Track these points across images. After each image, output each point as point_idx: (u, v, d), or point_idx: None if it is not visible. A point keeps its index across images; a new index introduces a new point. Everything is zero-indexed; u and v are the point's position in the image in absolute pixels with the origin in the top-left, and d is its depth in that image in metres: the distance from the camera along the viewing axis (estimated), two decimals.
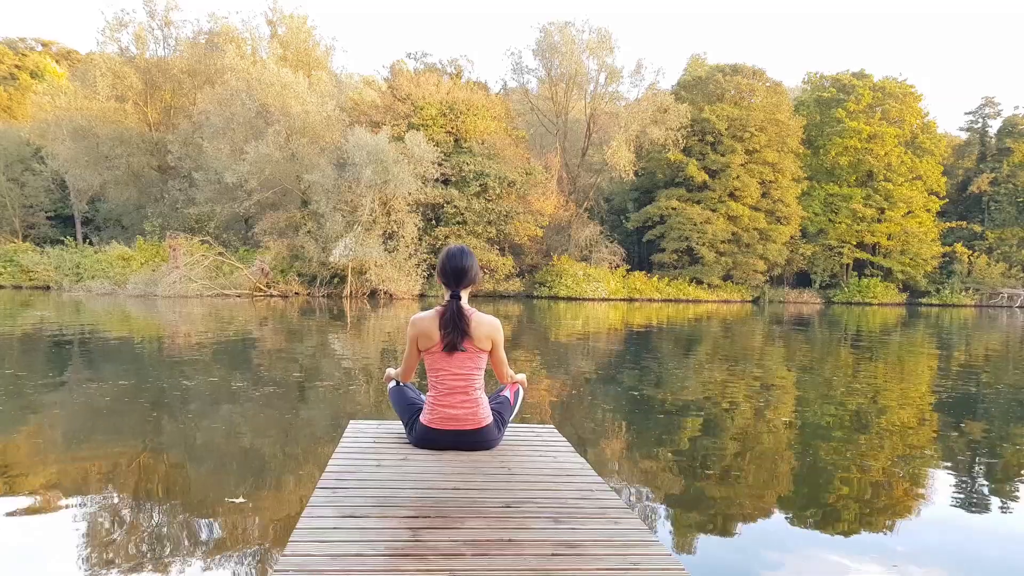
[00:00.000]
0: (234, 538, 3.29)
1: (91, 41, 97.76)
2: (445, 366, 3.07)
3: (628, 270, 39.12)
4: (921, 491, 4.51)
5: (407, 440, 3.24)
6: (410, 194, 30.89)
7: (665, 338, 16.47)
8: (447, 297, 3.08)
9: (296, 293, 30.49)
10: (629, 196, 44.71)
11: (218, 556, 3.08)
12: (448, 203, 33.60)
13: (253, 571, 2.96)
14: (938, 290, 44.43)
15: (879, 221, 42.71)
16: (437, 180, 32.84)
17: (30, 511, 3.59)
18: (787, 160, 40.70)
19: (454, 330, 3.02)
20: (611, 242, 39.86)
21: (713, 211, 39.34)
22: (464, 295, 3.11)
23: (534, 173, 36.49)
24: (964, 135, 49.95)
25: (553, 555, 1.97)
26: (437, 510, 2.31)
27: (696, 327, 20.13)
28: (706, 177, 39.44)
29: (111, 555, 3.07)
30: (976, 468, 5.07)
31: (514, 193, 35.15)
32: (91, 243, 37.20)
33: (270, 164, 30.50)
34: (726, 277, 40.69)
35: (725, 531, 3.68)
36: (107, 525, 3.42)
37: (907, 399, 8.17)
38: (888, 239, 42.75)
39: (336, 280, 31.47)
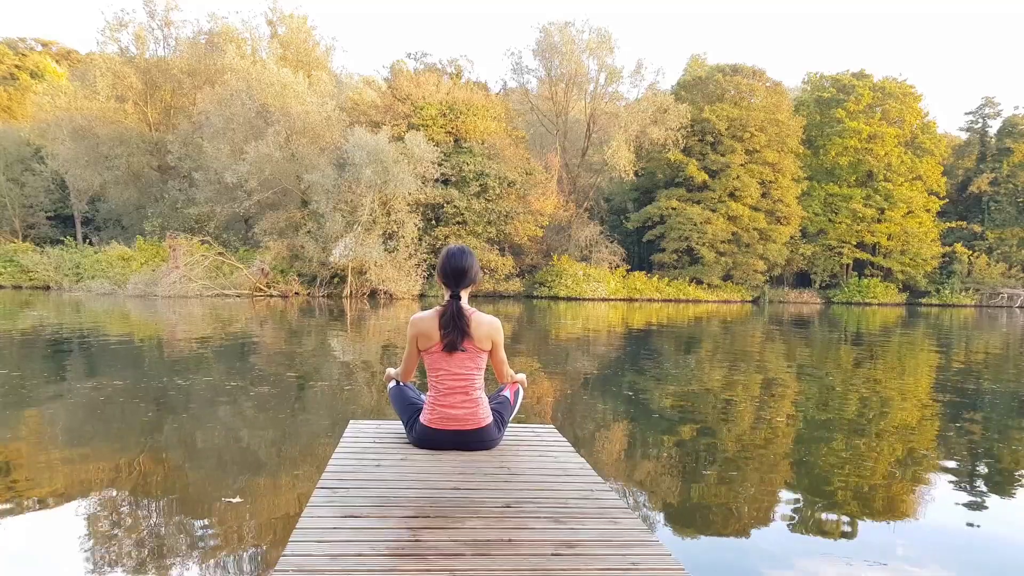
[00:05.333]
0: (234, 538, 3.29)
1: (91, 41, 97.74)
2: (445, 366, 3.06)
3: (628, 270, 39.11)
4: (921, 491, 4.51)
5: (407, 440, 3.23)
6: (410, 194, 30.89)
7: (665, 338, 16.47)
8: (447, 297, 3.08)
9: (296, 293, 30.49)
10: (629, 196, 44.71)
11: (218, 556, 3.08)
12: (448, 203, 33.60)
13: (253, 571, 2.96)
14: (938, 290, 44.43)
15: (879, 221, 42.71)
16: (437, 180, 32.84)
17: (30, 511, 3.59)
18: (787, 160, 40.70)
19: (454, 330, 3.01)
20: (611, 242, 39.85)
21: (713, 211, 39.33)
22: (464, 295, 3.11)
23: (534, 173, 36.50)
24: (964, 135, 49.94)
25: (553, 555, 1.97)
26: (437, 510, 2.31)
27: (696, 327, 20.13)
28: (706, 177, 39.44)
29: (111, 555, 3.07)
30: (976, 468, 5.07)
31: (514, 193, 35.16)
32: (91, 243, 37.20)
33: (270, 164, 30.50)
34: (726, 277, 40.68)
35: (725, 531, 3.68)
36: (107, 525, 3.42)
37: (907, 399, 8.17)
38: (888, 239, 42.75)
39: (336, 280, 31.47)
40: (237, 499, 3.78)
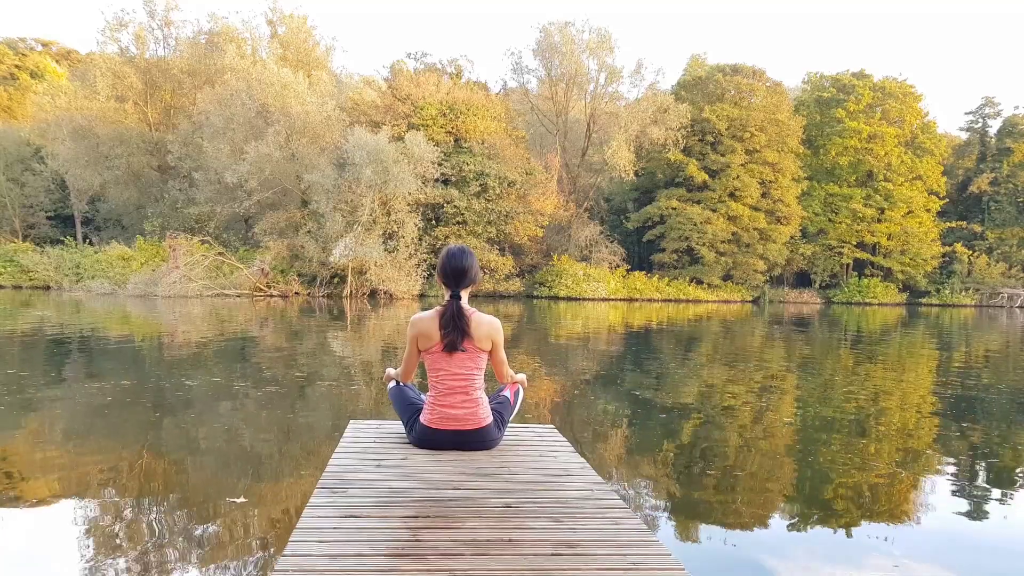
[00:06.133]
0: (234, 538, 3.29)
1: (91, 41, 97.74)
2: (445, 366, 3.06)
3: (628, 270, 39.11)
4: (921, 491, 4.51)
5: (407, 440, 3.23)
6: (410, 194, 30.89)
7: (665, 338, 16.47)
8: (447, 297, 3.08)
9: (296, 293, 30.50)
10: (629, 196, 44.72)
11: (218, 556, 3.08)
12: (448, 203, 33.60)
13: (253, 571, 2.96)
14: (938, 290, 44.43)
15: (879, 221, 42.72)
16: (437, 180, 32.84)
17: (31, 511, 3.59)
18: (787, 160, 40.70)
19: (454, 330, 3.01)
20: (611, 242, 39.85)
21: (713, 211, 39.33)
22: (464, 295, 3.11)
23: (534, 173, 36.50)
24: (964, 135, 49.94)
25: (553, 555, 1.97)
26: (437, 510, 2.30)
27: (696, 327, 20.13)
28: (706, 177, 39.44)
29: (112, 555, 3.07)
30: (976, 468, 5.07)
31: (514, 193, 35.16)
32: (91, 243, 37.20)
33: (270, 164, 30.49)
34: (726, 277, 40.69)
35: (725, 531, 3.68)
36: (108, 525, 3.42)
37: (907, 399, 8.17)
38: (888, 239, 42.76)
39: (336, 280, 31.47)
40: (238, 499, 3.78)
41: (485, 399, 3.17)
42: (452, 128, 34.84)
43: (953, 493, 4.45)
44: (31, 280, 32.39)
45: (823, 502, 4.20)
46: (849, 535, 3.66)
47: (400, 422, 3.40)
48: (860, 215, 42.33)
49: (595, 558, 1.97)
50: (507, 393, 3.38)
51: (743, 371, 10.32)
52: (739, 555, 3.39)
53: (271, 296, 29.27)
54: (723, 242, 39.46)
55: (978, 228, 45.32)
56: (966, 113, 56.88)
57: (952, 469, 5.01)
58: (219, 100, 32.46)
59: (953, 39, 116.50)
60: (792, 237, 41.62)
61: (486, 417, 3.11)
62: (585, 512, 2.35)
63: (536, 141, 42.24)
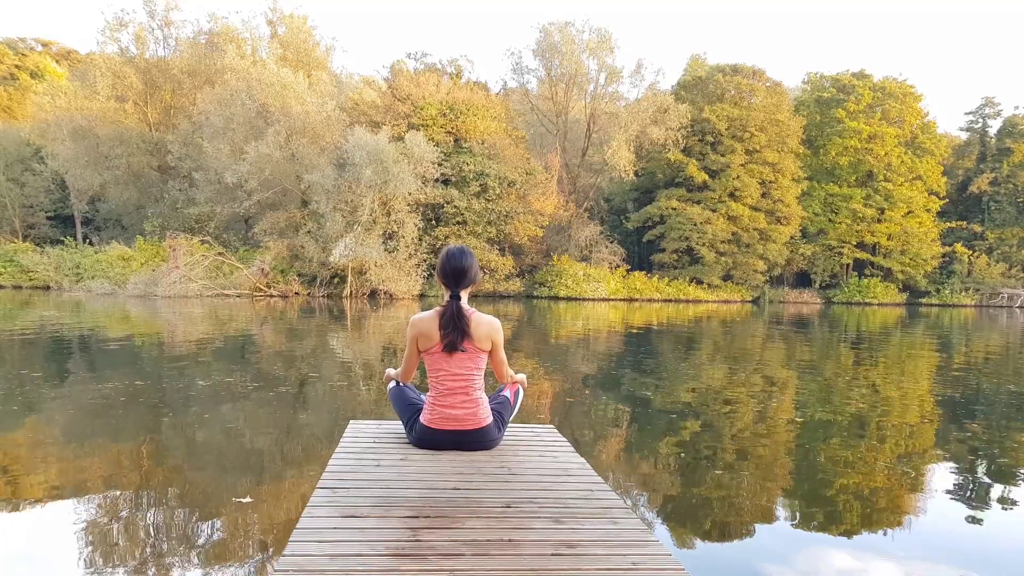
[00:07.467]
0: (234, 538, 3.29)
1: (91, 41, 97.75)
2: (445, 366, 3.06)
3: (628, 270, 39.12)
4: (922, 491, 4.51)
5: (407, 440, 3.24)
6: (410, 194, 30.89)
7: (665, 338, 16.47)
8: (447, 297, 3.08)
9: (296, 293, 30.50)
10: (629, 196, 44.73)
11: (218, 556, 3.08)
12: (448, 203, 33.60)
13: (253, 571, 2.96)
14: (938, 290, 44.44)
15: (879, 221, 42.73)
16: (437, 180, 32.85)
17: (31, 511, 3.59)
18: (787, 160, 40.71)
19: (454, 330, 3.01)
20: (611, 242, 39.87)
21: (713, 211, 39.35)
22: (464, 295, 3.11)
23: (534, 173, 36.51)
24: (964, 135, 49.95)
25: (553, 555, 1.97)
26: (437, 510, 2.31)
27: (696, 327, 20.12)
28: (706, 177, 39.45)
29: (112, 555, 3.07)
30: (977, 468, 5.07)
31: (514, 193, 35.16)
32: (91, 243, 37.22)
33: (270, 164, 30.50)
34: (726, 277, 40.69)
35: (725, 531, 3.68)
36: (108, 525, 3.42)
37: (907, 399, 8.17)
38: (888, 239, 42.76)
39: (336, 280, 31.47)
40: (238, 499, 3.78)
41: (485, 399, 3.17)
42: (452, 128, 34.84)
43: (954, 492, 4.45)
44: (31, 280, 32.40)
45: (824, 502, 4.20)
46: (850, 535, 3.66)
47: (400, 422, 3.40)
48: (860, 215, 42.34)
49: (595, 558, 1.97)
50: (507, 393, 3.38)
51: (743, 371, 10.32)
52: (739, 555, 3.39)
53: (271, 296, 29.27)
54: (723, 242, 39.47)
55: (978, 228, 45.33)
56: (966, 113, 56.96)
57: (953, 469, 5.01)
58: (219, 100, 32.46)
59: (953, 39, 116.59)
60: (792, 237, 41.63)
61: (486, 417, 3.11)
62: (585, 512, 2.35)
63: (536, 141, 42.25)
